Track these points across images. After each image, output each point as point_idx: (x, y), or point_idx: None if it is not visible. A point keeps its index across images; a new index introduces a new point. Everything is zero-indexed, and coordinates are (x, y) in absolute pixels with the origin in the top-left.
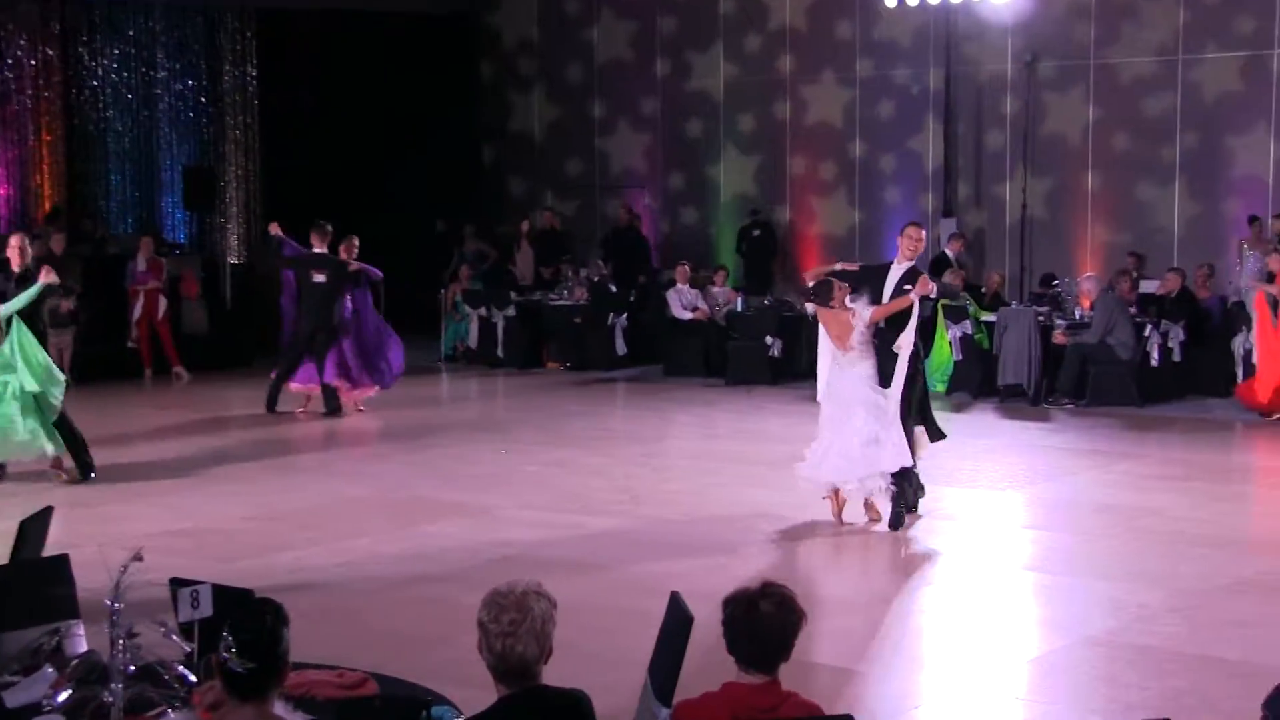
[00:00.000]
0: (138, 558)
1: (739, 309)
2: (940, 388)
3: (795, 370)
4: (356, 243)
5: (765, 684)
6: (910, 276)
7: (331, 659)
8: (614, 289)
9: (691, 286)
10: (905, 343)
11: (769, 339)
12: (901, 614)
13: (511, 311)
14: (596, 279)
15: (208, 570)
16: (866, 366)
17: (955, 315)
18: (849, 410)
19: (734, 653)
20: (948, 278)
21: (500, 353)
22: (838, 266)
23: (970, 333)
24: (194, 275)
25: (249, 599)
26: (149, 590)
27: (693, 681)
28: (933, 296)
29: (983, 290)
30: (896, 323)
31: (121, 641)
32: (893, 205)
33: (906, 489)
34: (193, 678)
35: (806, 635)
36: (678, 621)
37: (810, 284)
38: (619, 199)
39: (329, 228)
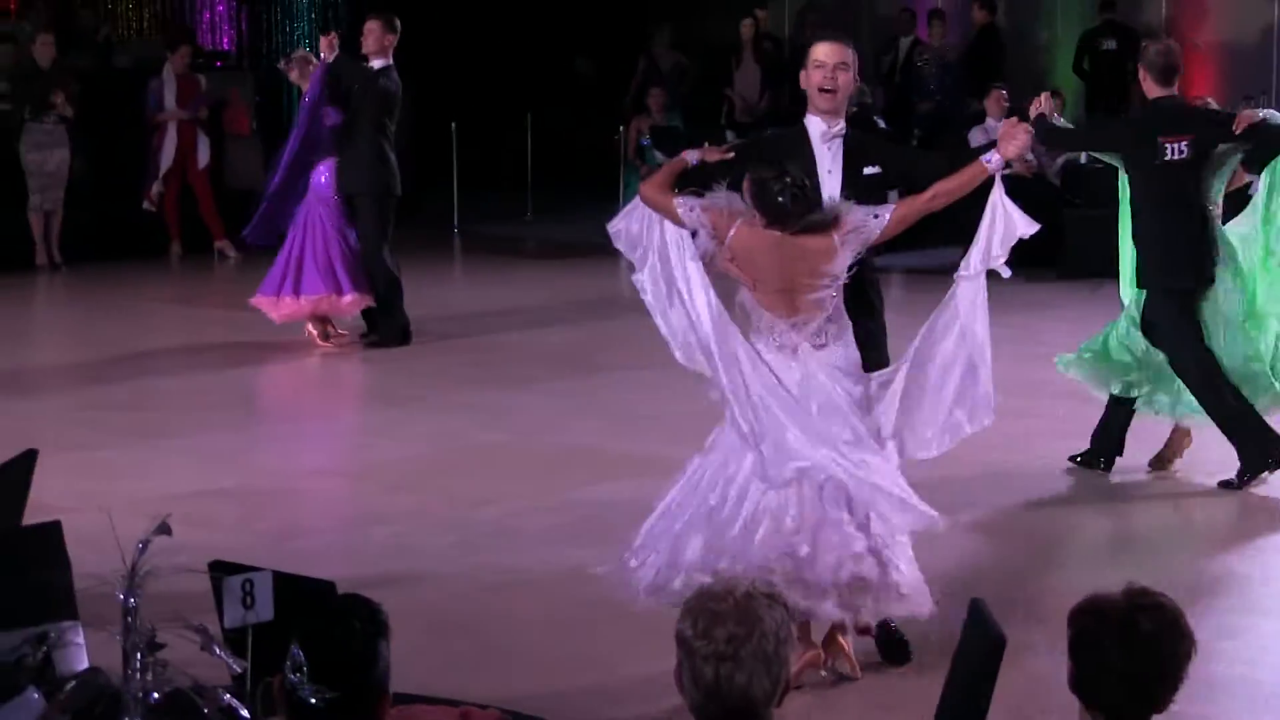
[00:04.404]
0: (163, 530)
1: (1083, 159)
2: None
3: None
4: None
5: None
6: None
7: (449, 689)
8: (882, 124)
9: None
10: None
11: None
12: None
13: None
14: (854, 108)
15: (262, 550)
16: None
17: None
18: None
19: (1085, 693)
20: None
21: None
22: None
23: None
24: (244, 101)
25: (330, 596)
26: (178, 580)
27: None
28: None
29: None
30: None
31: (140, 655)
32: None
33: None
34: (244, 712)
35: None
36: (982, 645)
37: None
38: None
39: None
